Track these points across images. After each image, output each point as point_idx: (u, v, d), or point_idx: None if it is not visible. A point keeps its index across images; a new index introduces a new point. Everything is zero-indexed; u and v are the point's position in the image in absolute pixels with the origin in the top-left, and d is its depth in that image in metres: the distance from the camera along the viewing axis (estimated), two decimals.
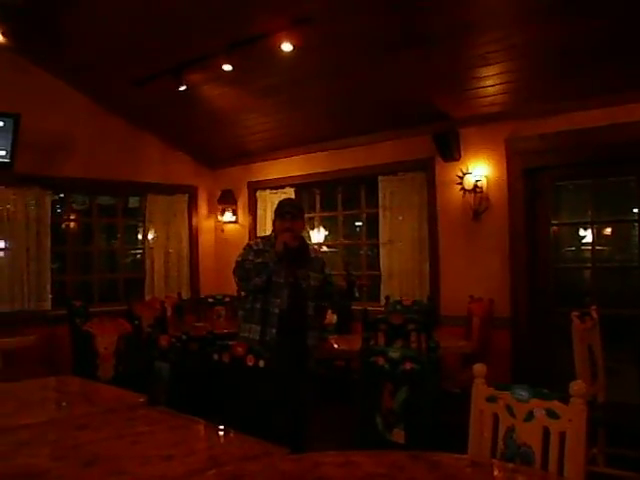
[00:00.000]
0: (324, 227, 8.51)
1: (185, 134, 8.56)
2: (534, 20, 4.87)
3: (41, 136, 7.40)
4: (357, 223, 8.13)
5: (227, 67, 6.18)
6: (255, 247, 4.29)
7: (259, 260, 4.15)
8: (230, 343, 3.51)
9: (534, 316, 6.07)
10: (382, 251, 7.33)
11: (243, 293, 4.41)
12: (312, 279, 4.29)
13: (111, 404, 3.41)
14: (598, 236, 6.06)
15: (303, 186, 8.30)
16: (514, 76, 5.64)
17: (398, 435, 3.06)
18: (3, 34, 6.42)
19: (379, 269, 7.35)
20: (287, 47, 5.65)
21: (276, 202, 8.20)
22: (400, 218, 7.16)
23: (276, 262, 4.12)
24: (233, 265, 4.28)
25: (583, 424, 2.11)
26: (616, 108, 5.40)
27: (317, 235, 8.51)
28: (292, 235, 4.19)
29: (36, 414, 3.27)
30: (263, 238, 4.50)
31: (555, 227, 6.23)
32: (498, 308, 6.10)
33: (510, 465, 2.26)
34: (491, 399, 2.41)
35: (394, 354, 3.15)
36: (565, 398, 2.17)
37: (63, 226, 8.44)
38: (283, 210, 4.35)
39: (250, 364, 3.31)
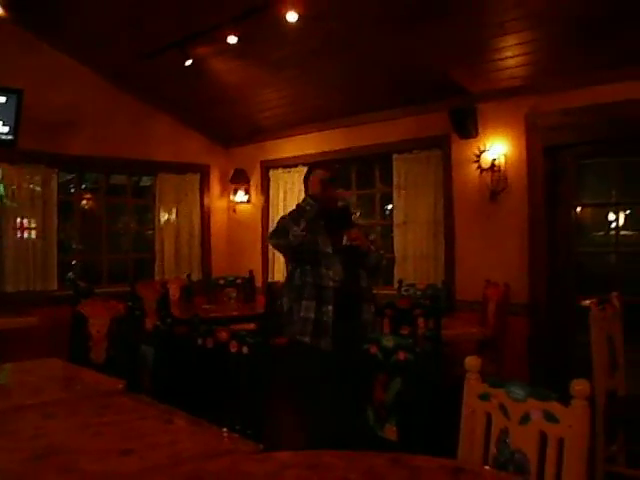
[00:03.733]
0: None
1: (196, 111, 8.31)
2: None
3: (47, 113, 7.19)
4: (388, 206, 7.74)
5: (232, 39, 5.91)
6: (308, 207, 3.83)
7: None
8: (214, 327, 3.28)
9: (553, 303, 5.74)
10: (396, 232, 7.02)
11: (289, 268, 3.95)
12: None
13: (87, 390, 3.25)
14: (623, 219, 5.71)
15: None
16: (535, 46, 5.26)
17: (390, 431, 2.79)
18: (3, 7, 6.20)
19: (393, 251, 7.06)
20: (292, 17, 5.35)
21: (289, 181, 8.17)
22: (414, 198, 6.84)
23: (315, 209, 3.75)
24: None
25: (585, 431, 1.80)
26: None
27: None
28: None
29: (4, 400, 3.10)
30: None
31: (577, 209, 5.88)
32: (516, 294, 5.77)
33: (500, 474, 1.97)
34: (484, 397, 2.12)
35: (388, 342, 2.88)
36: (566, 399, 1.87)
37: (78, 205, 8.27)
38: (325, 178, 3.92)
39: (233, 350, 3.07)
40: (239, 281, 8.03)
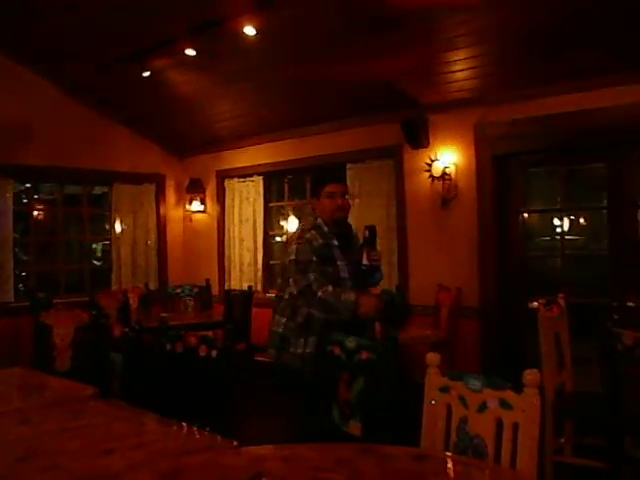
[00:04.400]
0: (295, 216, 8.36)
1: (152, 122, 8.38)
2: (502, 3, 4.76)
3: (1, 123, 7.18)
4: None
5: (190, 52, 6.03)
6: (316, 243, 3.57)
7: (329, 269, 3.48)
8: (182, 333, 3.40)
9: (503, 306, 5.98)
10: None
11: (286, 296, 3.63)
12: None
13: (58, 396, 3.29)
14: (568, 224, 5.99)
15: (271, 174, 8.17)
16: (483, 61, 5.52)
17: (354, 427, 2.95)
18: None
19: None
20: (250, 31, 5.51)
21: (244, 191, 8.28)
22: (368, 207, 7.02)
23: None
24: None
25: (536, 415, 2.00)
26: (586, 93, 5.28)
27: (290, 225, 8.33)
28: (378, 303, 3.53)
29: None
30: (314, 228, 3.70)
31: (525, 215, 6.14)
32: (467, 297, 6.00)
33: (461, 458, 2.15)
34: (444, 389, 2.30)
35: (350, 344, 3.04)
36: (519, 388, 2.07)
37: (32, 215, 8.26)
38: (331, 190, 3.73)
39: (203, 354, 3.20)
40: (196, 289, 8.10)
